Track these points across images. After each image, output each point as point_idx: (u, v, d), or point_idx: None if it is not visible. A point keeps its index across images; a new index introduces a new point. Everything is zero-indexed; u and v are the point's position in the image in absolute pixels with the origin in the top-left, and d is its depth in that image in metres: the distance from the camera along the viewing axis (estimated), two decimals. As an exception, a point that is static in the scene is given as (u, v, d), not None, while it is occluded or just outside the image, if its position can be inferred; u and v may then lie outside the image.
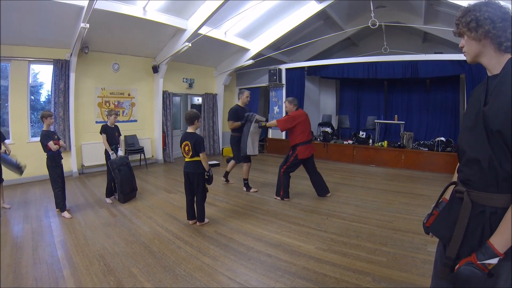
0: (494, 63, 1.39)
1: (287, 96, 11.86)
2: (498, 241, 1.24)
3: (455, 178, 1.61)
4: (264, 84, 12.76)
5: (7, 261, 3.61)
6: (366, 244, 4.04)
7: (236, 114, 6.62)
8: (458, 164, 1.56)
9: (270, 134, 12.79)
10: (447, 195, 1.71)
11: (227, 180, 7.36)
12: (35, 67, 8.24)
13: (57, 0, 6.17)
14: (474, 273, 1.27)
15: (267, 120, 6.76)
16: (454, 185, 1.58)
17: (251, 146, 6.46)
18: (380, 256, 3.67)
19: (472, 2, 1.46)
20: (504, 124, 1.22)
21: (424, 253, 3.72)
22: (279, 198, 6.07)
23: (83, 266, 3.49)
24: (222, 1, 7.24)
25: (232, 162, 7.15)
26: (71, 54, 7.75)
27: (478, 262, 1.26)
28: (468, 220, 1.38)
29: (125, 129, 8.72)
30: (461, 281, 1.32)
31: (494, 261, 1.24)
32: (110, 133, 6.01)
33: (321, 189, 6.21)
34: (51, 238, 4.33)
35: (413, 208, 5.48)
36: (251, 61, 11.36)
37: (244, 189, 6.77)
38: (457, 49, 10.00)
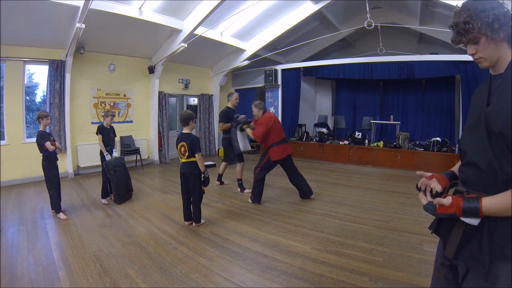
0: (502, 63, 1.33)
1: (283, 97, 11.90)
2: (488, 201, 1.25)
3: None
4: (260, 85, 12.74)
5: (3, 262, 3.59)
6: (362, 244, 4.05)
7: (226, 116, 6.68)
8: (459, 163, 1.56)
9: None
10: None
11: (221, 182, 7.36)
12: (30, 68, 8.21)
13: (52, 0, 6.15)
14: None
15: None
16: (456, 185, 1.56)
17: (242, 144, 6.48)
18: (376, 256, 3.68)
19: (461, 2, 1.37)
20: (506, 125, 1.19)
21: (420, 252, 3.74)
22: (250, 201, 5.99)
23: (79, 267, 3.48)
24: (218, 2, 7.24)
25: (223, 163, 7.19)
26: (67, 54, 7.72)
27: (462, 217, 1.31)
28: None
29: (121, 130, 8.70)
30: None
31: (473, 221, 1.28)
32: (106, 134, 5.99)
33: (304, 191, 6.07)
34: (47, 239, 4.31)
35: (409, 208, 5.50)
36: (247, 62, 11.36)
37: (238, 189, 6.77)
38: (453, 50, 10.10)
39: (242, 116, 6.45)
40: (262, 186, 5.93)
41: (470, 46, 1.37)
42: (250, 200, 5.99)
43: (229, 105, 6.88)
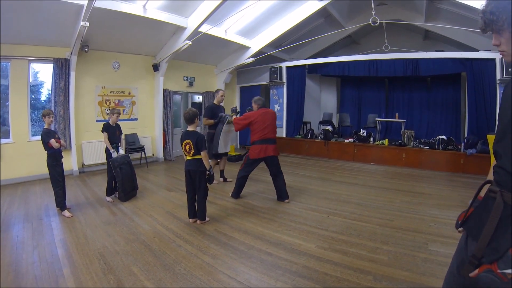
0: None
1: (287, 94, 11.91)
2: None
3: (490, 176, 1.54)
4: (265, 82, 12.74)
5: (8, 259, 3.61)
6: (367, 242, 4.03)
7: (211, 111, 6.93)
8: (495, 163, 1.50)
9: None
10: (482, 193, 1.60)
11: (224, 179, 7.40)
12: (35, 66, 8.23)
13: (57, -2, 6.16)
14: (493, 281, 1.24)
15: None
16: (489, 184, 1.51)
17: (223, 145, 6.72)
18: (381, 255, 3.66)
19: None
20: None
21: (425, 252, 3.72)
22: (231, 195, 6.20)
23: (83, 264, 3.49)
24: (222, -1, 7.25)
25: (223, 159, 7.34)
26: (71, 52, 7.73)
27: (498, 271, 1.23)
28: (498, 220, 1.32)
29: (126, 128, 8.69)
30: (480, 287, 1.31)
31: None
32: (112, 131, 6.00)
33: (280, 194, 5.91)
34: (52, 236, 4.33)
35: (414, 207, 5.47)
36: (251, 59, 11.34)
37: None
38: (459, 47, 10.05)
39: (225, 115, 6.74)
40: (243, 183, 6.07)
41: (496, 36, 1.35)
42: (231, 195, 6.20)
43: (215, 101, 7.18)
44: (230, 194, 6.18)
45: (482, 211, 1.47)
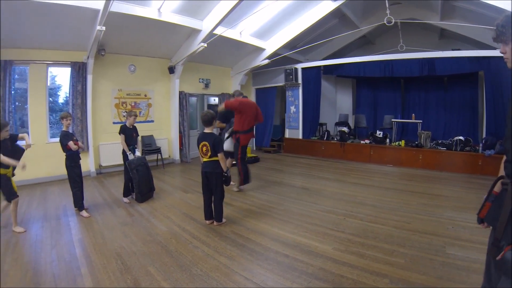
0: None
1: (303, 95, 11.92)
2: None
3: (501, 172, 1.73)
4: (280, 84, 12.73)
5: (27, 258, 3.71)
6: (383, 245, 3.99)
7: (224, 116, 7.06)
8: (505, 158, 1.71)
9: (287, 134, 12.75)
10: (497, 189, 1.78)
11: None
12: (53, 70, 8.40)
13: (73, 4, 6.27)
14: None
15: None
16: (502, 179, 1.70)
17: (227, 145, 6.89)
18: (397, 258, 3.61)
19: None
20: None
21: (442, 255, 3.65)
22: (242, 187, 6.74)
23: (101, 264, 3.54)
24: (237, 1, 7.27)
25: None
26: (88, 56, 7.87)
27: None
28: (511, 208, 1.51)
29: (142, 130, 8.81)
30: (507, 264, 1.45)
31: None
32: (128, 133, 6.07)
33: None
34: (70, 236, 4.40)
35: (431, 209, 5.38)
36: (267, 61, 11.37)
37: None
38: (475, 46, 9.87)
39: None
40: (248, 168, 6.84)
41: (504, 46, 1.62)
42: (236, 189, 6.64)
43: None
44: (237, 189, 6.67)
45: (499, 203, 1.66)
